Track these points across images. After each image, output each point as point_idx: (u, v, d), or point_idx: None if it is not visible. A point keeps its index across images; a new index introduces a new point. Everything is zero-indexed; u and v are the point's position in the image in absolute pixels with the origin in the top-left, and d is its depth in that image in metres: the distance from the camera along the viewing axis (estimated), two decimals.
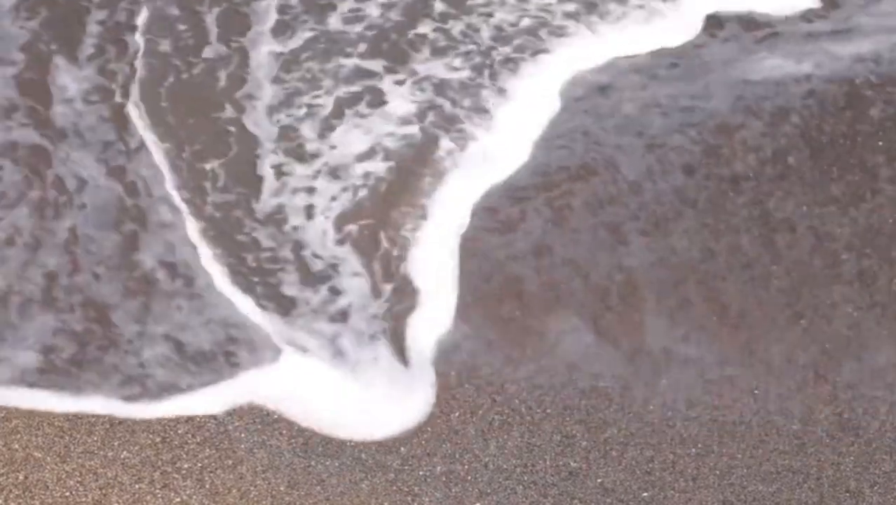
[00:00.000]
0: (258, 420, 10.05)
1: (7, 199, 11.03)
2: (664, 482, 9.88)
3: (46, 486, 9.68)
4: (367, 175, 11.36)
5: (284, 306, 10.68)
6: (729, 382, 10.30)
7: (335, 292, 10.75)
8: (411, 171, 11.38)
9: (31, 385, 10.17)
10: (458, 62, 12.09)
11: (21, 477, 9.70)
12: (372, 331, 10.59)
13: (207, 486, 9.74)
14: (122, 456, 9.84)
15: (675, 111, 11.68)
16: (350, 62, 12.04)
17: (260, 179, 11.31)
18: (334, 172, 11.38)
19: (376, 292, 10.79)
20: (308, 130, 11.60)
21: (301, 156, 11.43)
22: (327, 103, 11.76)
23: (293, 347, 10.42)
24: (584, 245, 11.00)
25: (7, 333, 10.47)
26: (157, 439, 9.92)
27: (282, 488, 9.77)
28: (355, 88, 11.87)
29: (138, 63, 11.88)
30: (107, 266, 10.84)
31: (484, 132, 11.68)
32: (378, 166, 11.39)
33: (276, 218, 11.14)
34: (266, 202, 11.21)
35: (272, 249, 10.94)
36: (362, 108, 11.80)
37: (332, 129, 11.63)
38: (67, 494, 9.65)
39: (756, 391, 10.27)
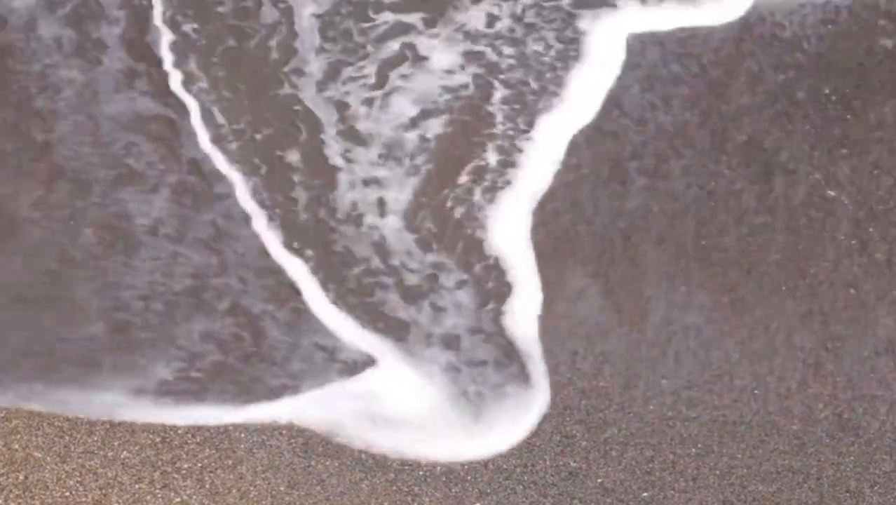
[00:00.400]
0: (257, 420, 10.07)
1: (146, 182, 10.82)
2: (664, 482, 9.87)
3: (46, 486, 9.67)
4: (423, 140, 11.17)
5: (396, 330, 10.51)
6: (729, 380, 10.30)
7: (437, 309, 10.57)
8: (467, 123, 11.16)
9: (163, 395, 10.14)
10: (496, 10, 11.91)
11: (21, 477, 9.70)
12: (486, 356, 10.42)
13: (207, 486, 9.74)
14: (122, 456, 9.83)
15: (672, 41, 11.61)
16: (387, 17, 11.82)
17: (334, 170, 11.10)
18: (392, 151, 11.18)
19: (475, 298, 10.65)
20: (359, 105, 11.38)
21: (359, 138, 11.21)
22: (370, 72, 11.58)
23: (416, 375, 10.30)
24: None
25: (150, 336, 10.37)
26: (157, 439, 9.92)
27: (282, 488, 9.76)
28: (394, 47, 11.67)
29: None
30: (251, 267, 10.73)
31: (533, 79, 11.51)
32: (433, 125, 11.19)
33: (354, 216, 10.93)
34: (343, 198, 10.99)
35: (365, 261, 10.72)
36: (405, 68, 11.62)
37: (380, 99, 11.43)
38: (67, 494, 9.64)
39: (756, 391, 10.26)
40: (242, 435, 9.97)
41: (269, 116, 11.35)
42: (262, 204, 10.94)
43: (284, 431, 10.00)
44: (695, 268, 10.76)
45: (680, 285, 10.65)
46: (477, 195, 11.06)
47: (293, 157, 11.17)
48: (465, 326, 10.51)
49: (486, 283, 10.70)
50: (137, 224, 10.79)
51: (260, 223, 10.87)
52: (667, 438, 10.07)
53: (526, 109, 11.44)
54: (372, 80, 11.56)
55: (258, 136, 11.27)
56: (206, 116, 11.34)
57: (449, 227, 10.95)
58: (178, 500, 9.67)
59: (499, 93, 11.48)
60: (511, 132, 11.30)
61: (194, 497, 9.68)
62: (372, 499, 9.75)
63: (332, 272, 10.70)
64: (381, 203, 10.99)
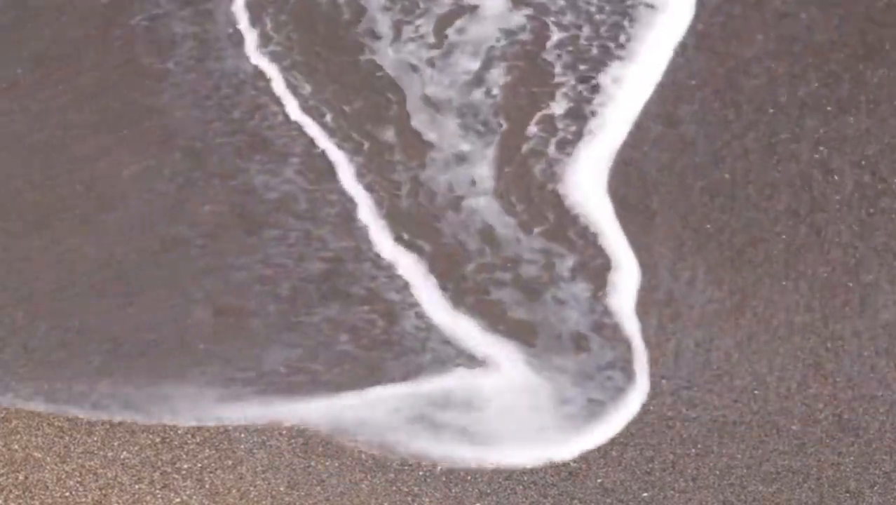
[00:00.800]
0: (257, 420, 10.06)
1: (272, 151, 10.25)
2: (664, 482, 9.87)
3: (46, 486, 9.67)
4: (489, 96, 10.83)
5: (521, 333, 10.19)
6: (729, 380, 10.30)
7: (559, 302, 10.25)
8: (526, 70, 10.85)
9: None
10: None
11: (21, 477, 9.70)
12: (611, 355, 10.23)
13: (207, 486, 9.74)
14: (122, 456, 9.83)
15: None
16: None
17: (426, 147, 10.74)
18: (466, 118, 10.78)
19: (587, 282, 10.26)
20: (426, 67, 11.04)
21: (436, 105, 10.88)
22: (428, 31, 11.21)
23: (535, 381, 10.07)
24: None
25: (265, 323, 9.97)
26: (157, 439, 9.92)
27: (282, 488, 9.76)
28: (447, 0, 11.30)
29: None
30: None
31: (594, 22, 11.22)
32: (496, 76, 10.85)
33: (452, 199, 10.48)
34: (437, 179, 10.62)
35: (478, 254, 10.29)
36: (461, 22, 11.26)
37: (442, 59, 11.05)
38: (67, 494, 9.64)
39: (756, 391, 10.26)
40: (242, 435, 9.97)
41: (353, 84, 10.81)
42: (368, 188, 10.45)
43: (284, 431, 10.00)
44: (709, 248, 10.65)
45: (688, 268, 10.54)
46: (552, 149, 10.71)
47: (387, 133, 10.71)
48: (588, 323, 10.19)
49: (587, 259, 10.34)
50: (262, 199, 10.32)
51: (367, 211, 10.44)
52: (667, 438, 10.07)
53: (586, 54, 11.12)
54: (431, 39, 11.19)
55: (347, 109, 10.87)
56: (290, 84, 10.85)
57: (534, 195, 10.57)
58: (178, 500, 9.67)
59: (556, 36, 11.11)
60: (574, 80, 10.97)
61: (194, 497, 9.69)
62: (372, 499, 9.74)
63: (446, 269, 10.27)
64: (473, 183, 10.56)
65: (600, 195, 10.62)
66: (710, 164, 10.86)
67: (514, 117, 10.91)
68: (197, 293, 10.09)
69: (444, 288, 10.39)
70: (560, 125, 10.85)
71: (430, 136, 10.84)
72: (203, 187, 10.51)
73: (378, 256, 10.37)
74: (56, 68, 10.98)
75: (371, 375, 10.04)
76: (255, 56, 11.12)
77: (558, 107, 10.90)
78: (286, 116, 10.88)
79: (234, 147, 10.73)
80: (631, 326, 10.31)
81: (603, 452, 9.98)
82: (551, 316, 10.28)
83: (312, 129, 10.87)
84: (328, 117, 10.90)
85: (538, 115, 10.82)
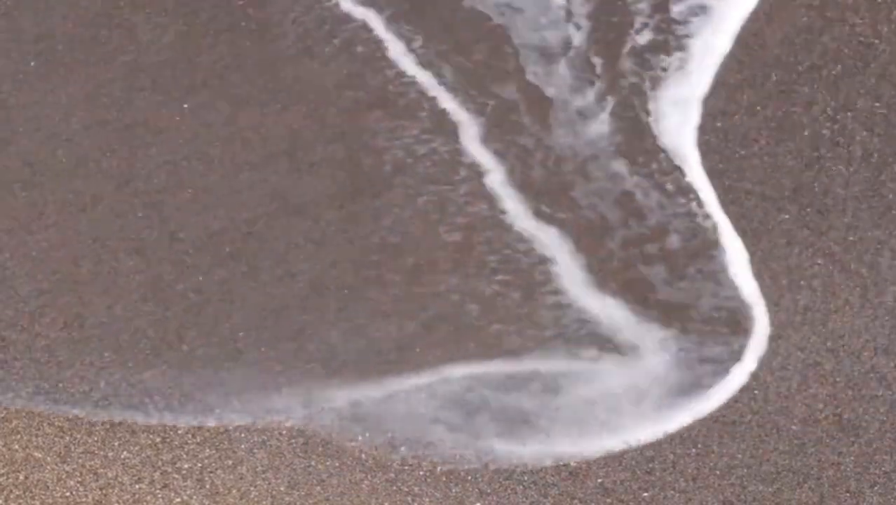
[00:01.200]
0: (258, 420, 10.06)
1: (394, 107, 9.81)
2: (664, 482, 9.87)
3: (46, 486, 9.67)
4: (577, 28, 10.46)
5: (673, 315, 9.80)
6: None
7: (717, 283, 9.87)
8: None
9: None
10: None
11: (21, 477, 9.70)
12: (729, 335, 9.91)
13: (207, 486, 9.74)
14: (122, 456, 9.83)
15: None
16: None
17: (548, 104, 10.28)
18: (567, 63, 10.42)
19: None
20: (530, 6, 10.66)
21: (537, 49, 10.52)
22: None
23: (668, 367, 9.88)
24: None
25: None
26: (157, 439, 9.92)
27: (282, 488, 9.77)
28: None
29: None
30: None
31: None
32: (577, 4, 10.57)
33: (579, 163, 9.98)
34: (564, 141, 10.21)
35: (621, 225, 9.78)
36: None
37: None
38: (67, 494, 9.65)
39: (756, 391, 10.26)
40: (242, 435, 9.97)
41: (462, 34, 10.45)
42: (497, 154, 10.06)
43: (284, 431, 10.00)
44: None
45: None
46: (647, 84, 10.44)
47: (507, 89, 10.33)
48: (716, 301, 9.84)
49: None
50: (383, 160, 9.90)
51: (497, 178, 10.07)
52: (667, 438, 10.07)
53: None
54: None
55: (463, 62, 10.49)
56: (401, 35, 10.59)
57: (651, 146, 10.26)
58: (178, 500, 9.67)
59: None
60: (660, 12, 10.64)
61: (194, 497, 9.69)
62: (372, 499, 9.75)
63: (589, 245, 9.82)
64: (598, 142, 10.18)
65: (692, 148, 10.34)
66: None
67: (608, 53, 10.59)
68: (303, 265, 9.79)
69: (587, 265, 9.98)
70: (648, 56, 10.53)
71: (549, 90, 10.44)
72: (320, 150, 10.25)
73: (513, 226, 10.01)
74: (173, 28, 10.88)
75: (487, 350, 9.68)
76: (355, 6, 10.86)
77: (643, 37, 10.56)
78: (403, 72, 10.59)
79: (352, 106, 10.46)
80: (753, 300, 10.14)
81: (604, 451, 10.00)
82: (694, 293, 9.90)
83: (431, 85, 10.51)
84: (446, 71, 10.51)
85: (626, 48, 10.51)
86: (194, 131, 10.51)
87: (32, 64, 11.03)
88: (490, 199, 10.16)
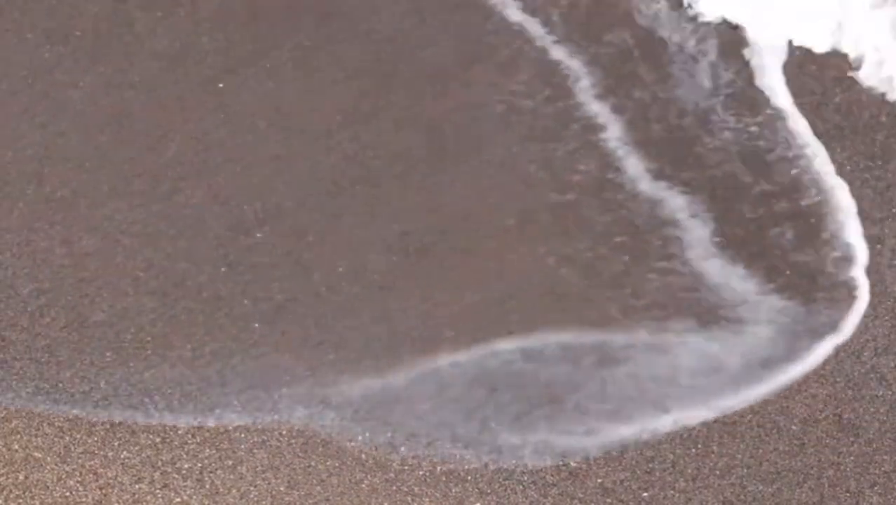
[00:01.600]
0: (258, 420, 10.06)
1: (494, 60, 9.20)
2: (664, 482, 9.87)
3: (46, 486, 9.67)
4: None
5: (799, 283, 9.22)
6: None
7: (837, 249, 9.28)
8: None
9: None
10: None
11: (21, 477, 9.70)
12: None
13: (207, 486, 9.74)
14: (122, 456, 9.83)
15: None
16: None
17: (664, 48, 9.61)
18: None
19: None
20: None
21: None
22: None
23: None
24: None
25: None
26: (157, 439, 9.92)
27: (282, 488, 9.76)
28: None
29: None
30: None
31: None
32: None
33: (700, 117, 9.36)
34: (679, 92, 9.58)
35: (753, 185, 9.19)
36: None
37: None
38: (67, 494, 9.65)
39: None
40: (242, 435, 9.97)
41: None
42: (614, 109, 9.43)
43: (284, 432, 10.00)
44: None
45: None
46: None
47: (622, 35, 9.70)
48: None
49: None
50: (480, 116, 9.26)
51: (615, 133, 9.45)
52: (667, 438, 10.07)
53: None
54: None
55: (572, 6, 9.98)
56: None
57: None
58: (178, 500, 9.67)
59: None
60: None
61: (194, 497, 9.69)
62: (372, 499, 9.74)
63: (720, 211, 9.16)
64: (713, 94, 9.59)
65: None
66: None
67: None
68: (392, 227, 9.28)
69: (715, 231, 9.46)
70: None
71: (664, 33, 9.81)
72: (409, 105, 9.75)
73: (629, 186, 9.35)
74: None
75: (574, 320, 9.17)
76: None
77: None
78: (506, 18, 9.96)
79: (452, 56, 9.95)
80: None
81: (603, 451, 9.99)
82: (820, 261, 9.43)
83: (538, 33, 9.88)
84: (555, 17, 9.91)
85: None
86: (241, 104, 9.87)
87: (46, 56, 10.98)
88: (604, 156, 9.49)
